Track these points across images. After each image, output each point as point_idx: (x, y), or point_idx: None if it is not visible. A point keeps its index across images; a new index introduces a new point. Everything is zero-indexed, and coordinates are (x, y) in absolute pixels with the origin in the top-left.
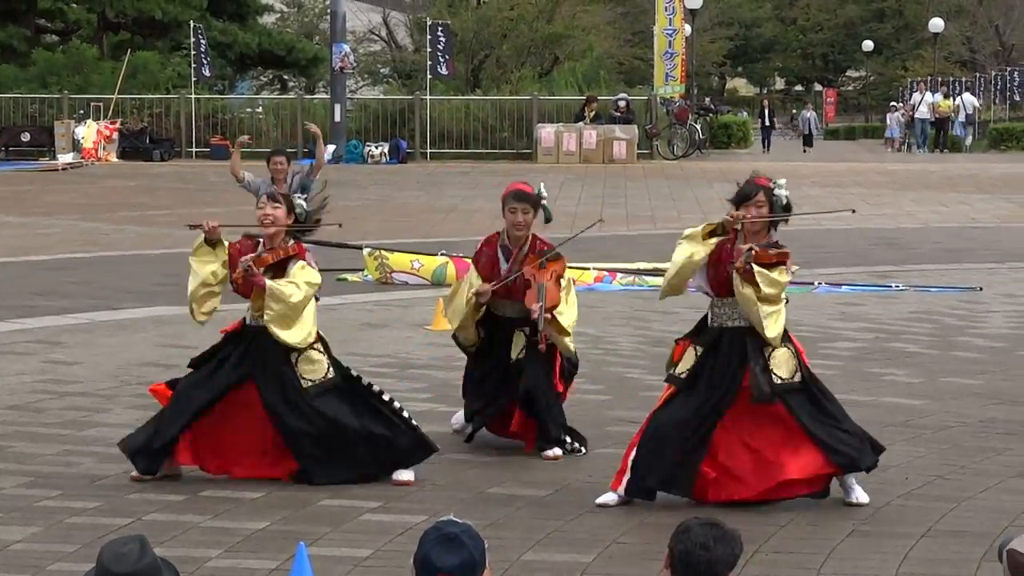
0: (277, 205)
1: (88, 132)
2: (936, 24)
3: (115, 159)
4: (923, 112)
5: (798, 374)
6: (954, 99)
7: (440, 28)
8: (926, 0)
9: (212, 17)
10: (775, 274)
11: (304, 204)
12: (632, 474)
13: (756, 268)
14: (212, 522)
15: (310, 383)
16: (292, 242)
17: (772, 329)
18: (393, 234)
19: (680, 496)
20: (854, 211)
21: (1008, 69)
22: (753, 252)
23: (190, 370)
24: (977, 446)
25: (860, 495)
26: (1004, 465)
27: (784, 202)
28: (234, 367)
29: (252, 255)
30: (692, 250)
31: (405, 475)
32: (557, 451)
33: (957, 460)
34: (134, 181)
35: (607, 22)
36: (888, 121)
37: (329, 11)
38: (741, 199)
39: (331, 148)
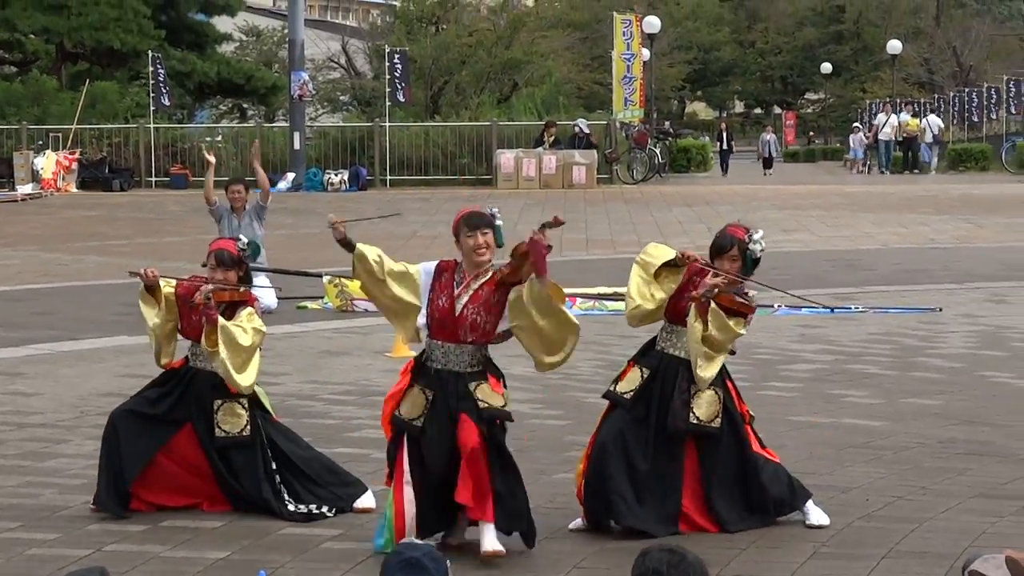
0: (228, 269)
1: (47, 163)
2: (894, 46)
3: (74, 189)
4: (887, 133)
5: (717, 420)
6: (921, 120)
7: (398, 55)
8: (884, 22)
9: (171, 47)
10: (731, 322)
11: (245, 241)
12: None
13: (713, 306)
14: (172, 552)
15: (224, 434)
16: (243, 288)
17: (705, 370)
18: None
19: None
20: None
21: (966, 90)
22: (716, 291)
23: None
24: (937, 467)
25: (819, 517)
26: (964, 485)
27: (757, 255)
28: (171, 409)
29: (211, 286)
30: (642, 300)
31: (366, 502)
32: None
33: (917, 481)
34: (94, 211)
35: (566, 47)
36: (851, 142)
37: (288, 39)
38: (715, 251)
39: (291, 176)
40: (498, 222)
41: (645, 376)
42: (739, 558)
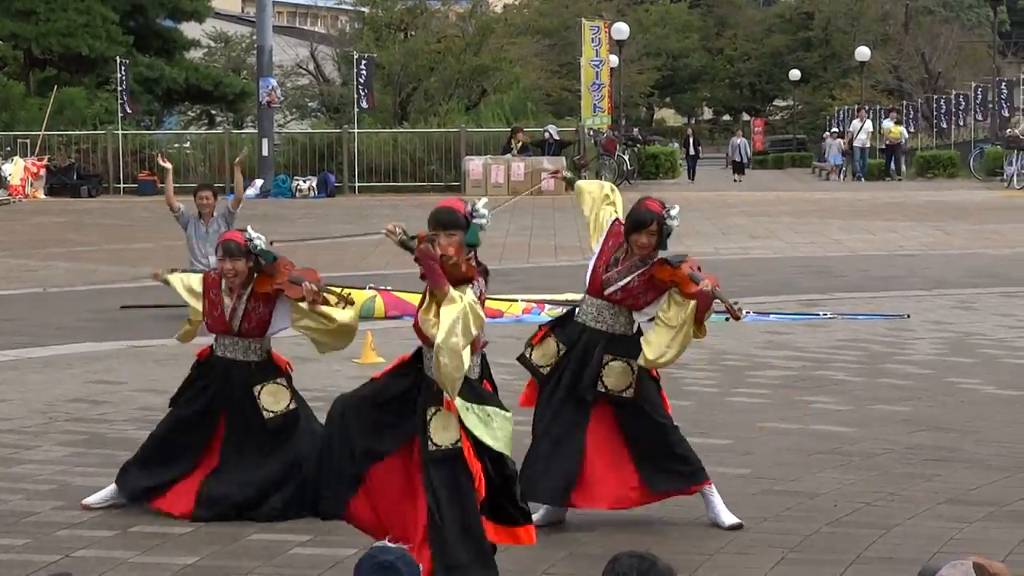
0: (236, 259)
1: (15, 169)
2: (863, 53)
3: (42, 195)
4: (862, 140)
5: (630, 390)
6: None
7: (365, 61)
8: (852, 29)
9: (139, 52)
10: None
11: (260, 238)
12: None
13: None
14: (142, 558)
15: (271, 414)
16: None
17: (665, 356)
18: (322, 268)
19: (550, 504)
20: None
21: (935, 97)
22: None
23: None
24: (905, 473)
25: (724, 517)
26: (932, 492)
27: (670, 231)
28: (207, 405)
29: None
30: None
31: None
32: None
33: (885, 487)
34: (62, 217)
35: (534, 54)
36: (828, 148)
37: (256, 45)
38: (633, 226)
39: (259, 183)
40: (476, 222)
41: (562, 352)
42: (707, 564)
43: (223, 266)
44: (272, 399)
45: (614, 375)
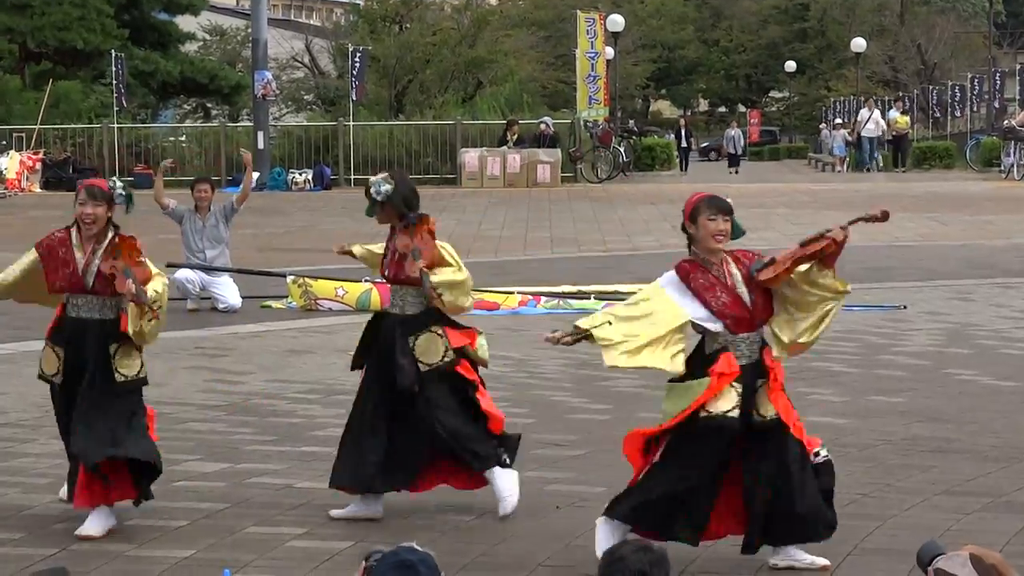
0: (98, 203)
1: (11, 163)
2: (858, 44)
3: (38, 189)
4: (870, 130)
5: (449, 353)
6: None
7: (359, 54)
8: (848, 20)
9: (134, 46)
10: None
11: (123, 186)
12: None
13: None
14: (137, 551)
15: (124, 378)
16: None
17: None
18: (318, 261)
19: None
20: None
21: (931, 87)
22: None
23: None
24: (902, 464)
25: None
26: (929, 483)
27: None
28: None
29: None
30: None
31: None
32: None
33: (882, 478)
34: (58, 211)
35: (530, 46)
36: (833, 138)
37: (251, 39)
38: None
39: (255, 176)
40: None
41: (368, 341)
42: (704, 555)
43: (83, 210)
44: (127, 362)
45: (427, 347)
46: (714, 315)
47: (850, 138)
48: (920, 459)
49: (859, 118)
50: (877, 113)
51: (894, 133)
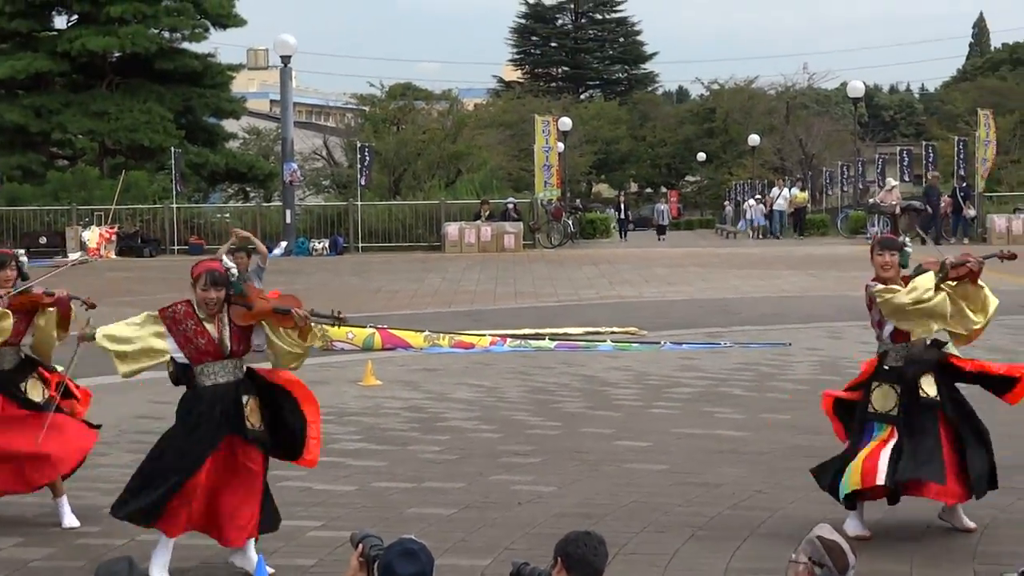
0: (220, 288)
1: (92, 235)
2: (754, 139)
3: (114, 256)
4: (780, 204)
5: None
6: (804, 191)
7: (366, 149)
8: (746, 121)
9: (189, 143)
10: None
11: (233, 267)
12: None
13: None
14: (188, 540)
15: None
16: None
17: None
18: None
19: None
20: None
21: (810, 173)
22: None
23: None
24: (788, 467)
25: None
26: (809, 482)
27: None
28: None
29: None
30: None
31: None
32: None
33: (772, 478)
34: (129, 273)
35: (498, 142)
36: (754, 211)
37: (281, 137)
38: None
39: (284, 244)
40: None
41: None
42: (633, 540)
43: (207, 295)
44: (257, 415)
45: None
46: None
47: (765, 211)
48: (802, 463)
49: (771, 195)
50: (787, 191)
51: (795, 207)
